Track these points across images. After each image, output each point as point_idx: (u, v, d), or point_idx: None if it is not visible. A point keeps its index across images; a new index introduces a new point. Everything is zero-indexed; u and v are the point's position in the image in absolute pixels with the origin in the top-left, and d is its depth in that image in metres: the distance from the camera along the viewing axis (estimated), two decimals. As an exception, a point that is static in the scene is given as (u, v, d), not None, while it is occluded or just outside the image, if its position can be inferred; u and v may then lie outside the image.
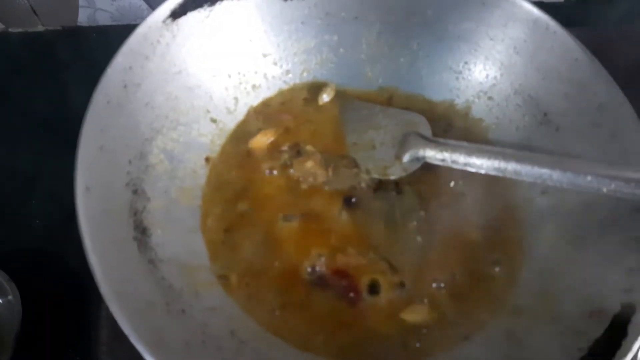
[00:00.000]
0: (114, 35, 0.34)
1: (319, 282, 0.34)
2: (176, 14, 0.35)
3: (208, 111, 0.39)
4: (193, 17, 0.36)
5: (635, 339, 0.25)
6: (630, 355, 0.24)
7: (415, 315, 0.33)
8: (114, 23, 0.57)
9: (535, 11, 0.38)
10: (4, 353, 0.34)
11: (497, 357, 0.29)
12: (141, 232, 0.32)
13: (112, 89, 0.32)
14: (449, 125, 0.41)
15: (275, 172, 0.38)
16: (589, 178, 0.30)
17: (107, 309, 0.25)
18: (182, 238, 0.34)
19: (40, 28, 0.55)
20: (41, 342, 0.38)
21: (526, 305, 0.32)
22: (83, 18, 0.57)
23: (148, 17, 0.34)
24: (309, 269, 0.35)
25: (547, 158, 0.32)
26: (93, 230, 0.28)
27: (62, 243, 0.41)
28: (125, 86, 0.33)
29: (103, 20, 0.57)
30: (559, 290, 0.31)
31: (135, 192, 0.33)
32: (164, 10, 0.35)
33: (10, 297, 0.36)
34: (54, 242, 0.42)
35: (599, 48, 0.36)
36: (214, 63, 0.38)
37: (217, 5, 0.37)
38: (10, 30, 0.54)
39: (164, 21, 0.35)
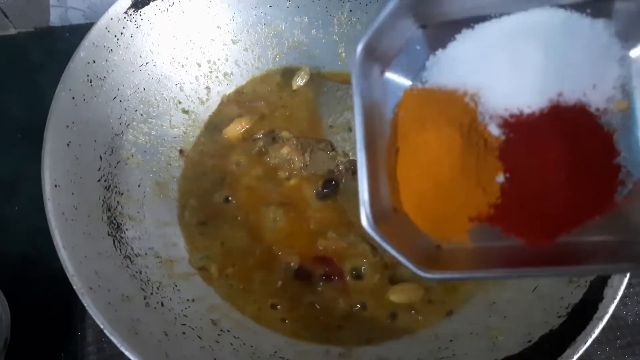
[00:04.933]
0: (88, 34, 0.33)
1: (301, 268, 0.34)
2: (138, 4, 0.34)
3: (179, 102, 0.38)
4: (156, 6, 0.35)
5: (611, 302, 0.24)
6: (606, 317, 0.24)
7: (401, 295, 0.33)
8: (87, 21, 0.56)
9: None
10: (-7, 360, 0.34)
11: (479, 329, 0.29)
12: (116, 227, 0.31)
13: (76, 84, 0.31)
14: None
15: (251, 160, 0.38)
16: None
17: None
18: (159, 232, 0.34)
19: (12, 31, 0.54)
20: (31, 346, 0.38)
21: (508, 276, 0.32)
22: (55, 18, 0.56)
23: (109, 9, 0.33)
24: (290, 256, 0.35)
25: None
26: (63, 227, 0.27)
27: (46, 247, 0.41)
28: (90, 81, 0.32)
29: (75, 19, 0.56)
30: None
31: (107, 188, 0.32)
32: (126, 0, 0.34)
33: (-3, 305, 0.36)
34: (38, 246, 0.42)
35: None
36: (182, 52, 0.38)
37: (181, -7, 0.36)
38: (-19, 35, 0.53)
39: (126, 12, 0.34)
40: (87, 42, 0.32)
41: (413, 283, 0.33)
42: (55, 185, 0.28)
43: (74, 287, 0.26)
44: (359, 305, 0.33)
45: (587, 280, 0.26)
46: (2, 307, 0.36)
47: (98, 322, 0.25)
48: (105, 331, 0.25)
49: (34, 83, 0.50)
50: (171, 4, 0.36)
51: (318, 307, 0.33)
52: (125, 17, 0.34)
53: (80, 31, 0.53)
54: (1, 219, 0.44)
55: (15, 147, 0.47)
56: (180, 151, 0.38)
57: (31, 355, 0.38)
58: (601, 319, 0.24)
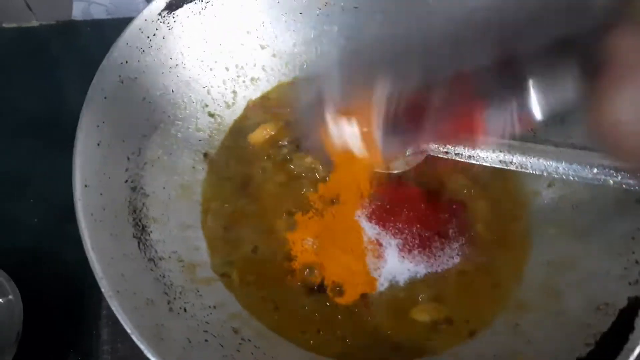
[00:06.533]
0: (109, 30, 0.33)
1: (323, 282, 0.34)
2: (172, 6, 0.34)
3: (206, 105, 0.38)
4: (189, 9, 0.35)
5: (643, 333, 0.24)
6: (637, 349, 0.24)
7: (423, 314, 0.33)
8: (109, 17, 0.56)
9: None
10: (6, 353, 0.33)
11: (503, 352, 0.29)
12: (141, 229, 0.31)
13: (109, 83, 0.31)
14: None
15: (275, 167, 0.38)
16: (595, 170, 0.30)
17: (107, 307, 0.25)
18: (182, 235, 0.34)
19: (34, 23, 0.54)
20: (43, 341, 0.37)
21: (532, 299, 0.32)
22: (77, 12, 0.56)
23: (144, 10, 0.33)
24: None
25: (553, 150, 0.32)
26: (92, 228, 0.27)
27: (60, 241, 0.40)
28: (121, 81, 0.32)
29: (98, 13, 0.56)
30: (564, 283, 0.31)
31: (134, 189, 0.32)
32: (160, 2, 0.34)
33: (10, 297, 0.36)
34: (51, 240, 0.42)
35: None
36: (212, 56, 0.38)
37: (214, -3, 0.36)
38: (4, 25, 0.53)
39: (160, 13, 0.34)
40: (120, 42, 0.32)
41: (435, 303, 0.33)
42: (85, 186, 0.28)
43: (102, 290, 0.25)
44: (381, 323, 0.33)
45: (616, 309, 0.26)
46: (15, 300, 0.36)
47: (126, 327, 0.24)
48: (133, 337, 0.24)
49: (52, 76, 0.50)
50: (204, 7, 0.36)
51: (339, 323, 0.33)
52: (158, 19, 0.34)
53: (101, 26, 0.54)
54: (14, 213, 0.43)
55: (32, 139, 0.47)
56: (205, 155, 0.38)
57: (42, 350, 0.38)
58: (632, 350, 0.24)
